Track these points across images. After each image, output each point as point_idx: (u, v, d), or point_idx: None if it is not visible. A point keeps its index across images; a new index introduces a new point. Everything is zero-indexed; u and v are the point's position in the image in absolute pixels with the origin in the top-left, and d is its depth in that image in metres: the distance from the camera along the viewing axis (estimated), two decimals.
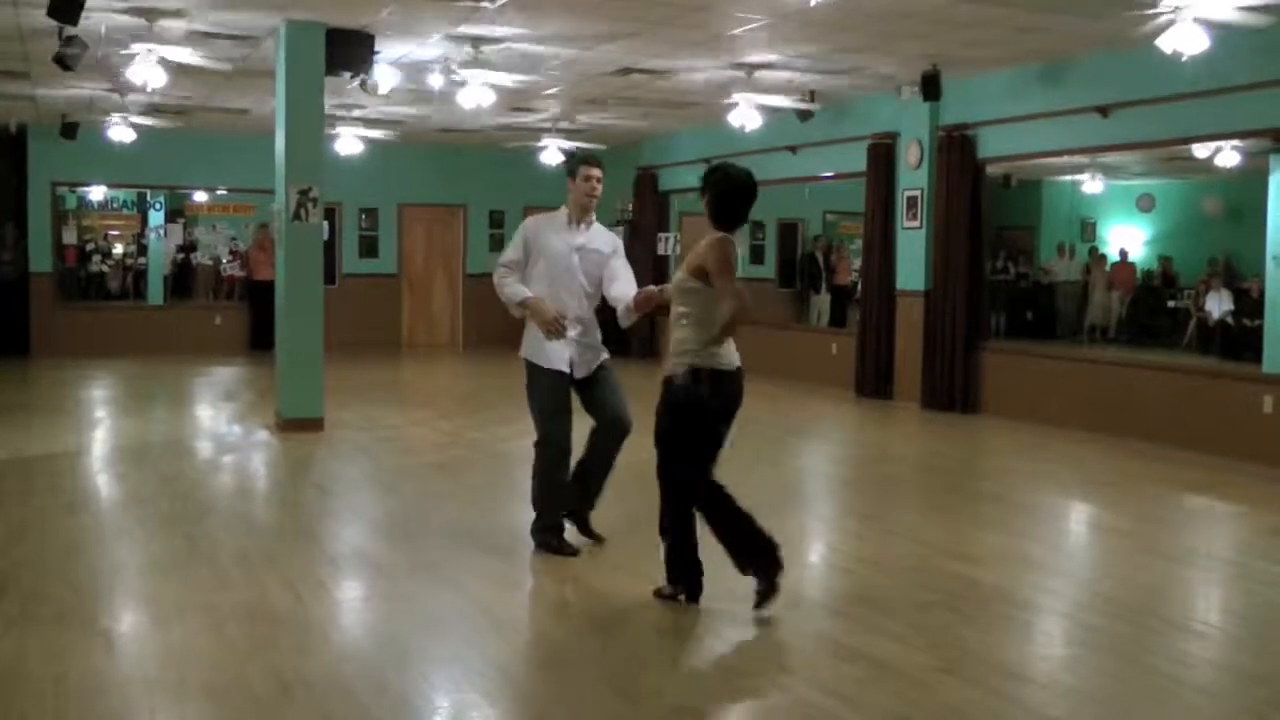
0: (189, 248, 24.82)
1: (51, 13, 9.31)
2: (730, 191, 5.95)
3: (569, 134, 18.41)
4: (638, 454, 10.55)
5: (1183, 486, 9.81)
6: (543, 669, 5.15)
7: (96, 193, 24.83)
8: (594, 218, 7.20)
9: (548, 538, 7.04)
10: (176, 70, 11.53)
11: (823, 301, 20.97)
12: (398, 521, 7.98)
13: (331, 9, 10.70)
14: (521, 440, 9.26)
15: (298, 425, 11.27)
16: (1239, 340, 18.24)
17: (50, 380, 15.70)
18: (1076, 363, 13.59)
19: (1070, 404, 12.47)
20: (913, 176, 14.35)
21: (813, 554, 7.68)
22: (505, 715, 4.73)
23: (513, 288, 6.90)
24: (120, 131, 16.65)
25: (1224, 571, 7.39)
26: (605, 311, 7.20)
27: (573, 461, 7.08)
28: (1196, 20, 8.77)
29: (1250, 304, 18.14)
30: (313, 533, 7.70)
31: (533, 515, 7.09)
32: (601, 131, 18.66)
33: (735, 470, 9.93)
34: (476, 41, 11.69)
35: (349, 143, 17.50)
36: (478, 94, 12.19)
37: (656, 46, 12.04)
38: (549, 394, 6.97)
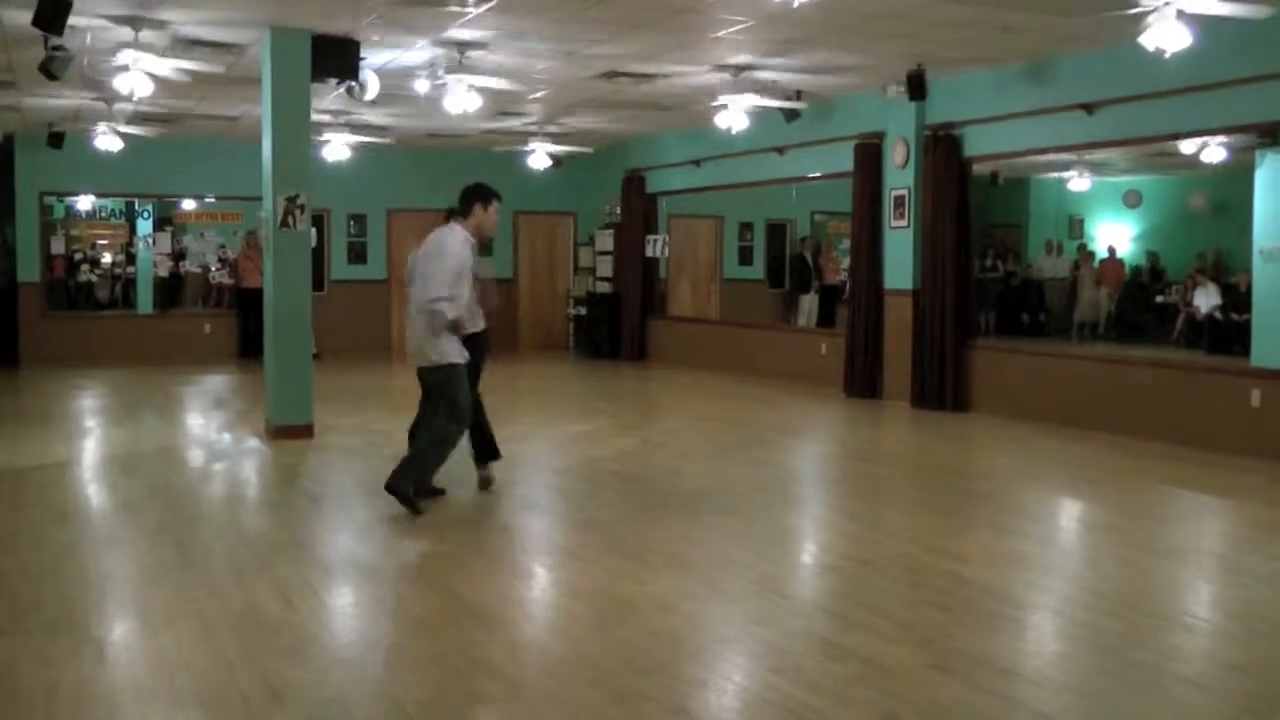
0: (180, 255, 24.83)
1: (37, 22, 9.30)
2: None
3: (556, 137, 18.43)
4: (629, 454, 10.60)
5: (1172, 481, 9.85)
6: (534, 671, 5.16)
7: (84, 202, 24.79)
8: None
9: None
10: (163, 79, 11.51)
11: (811, 302, 20.98)
12: (387, 526, 7.98)
13: (317, 16, 10.70)
14: (509, 444, 9.31)
15: (287, 432, 11.28)
16: (1227, 335, 18.29)
17: (39, 390, 15.68)
18: (1066, 359, 13.61)
19: (1060, 401, 12.50)
20: (899, 176, 14.38)
21: (803, 553, 7.71)
22: (496, 718, 4.73)
23: None
24: (107, 140, 16.63)
25: (1213, 565, 7.42)
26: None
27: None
28: (1183, 14, 8.77)
29: (1238, 298, 18.19)
30: (303, 539, 7.70)
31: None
32: (588, 134, 18.67)
33: (727, 470, 9.98)
34: (462, 46, 11.70)
35: (336, 149, 17.50)
36: (464, 99, 12.20)
37: (642, 49, 12.05)
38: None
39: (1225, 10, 8.80)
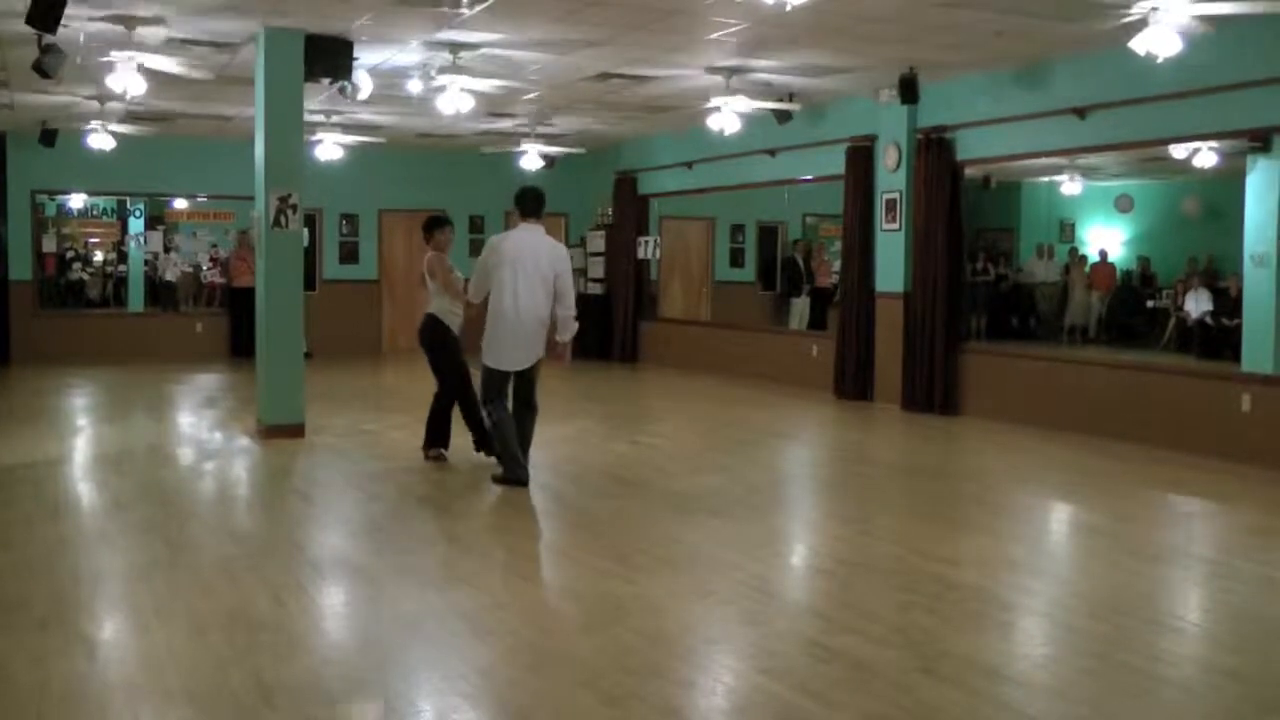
0: (165, 249, 24.75)
1: (30, 21, 9.28)
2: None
3: (548, 139, 18.44)
4: (620, 456, 10.61)
5: (1162, 485, 9.87)
6: (524, 672, 5.16)
7: (76, 200, 24.75)
8: None
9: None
10: (156, 77, 11.51)
11: (803, 305, 20.97)
12: (378, 526, 7.99)
13: (310, 16, 10.70)
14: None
15: (279, 431, 11.27)
16: (1218, 339, 18.33)
17: (31, 388, 15.65)
18: (1056, 363, 13.63)
19: (1050, 404, 12.53)
20: (891, 179, 14.41)
21: (793, 555, 7.72)
22: (486, 718, 4.74)
23: None
24: (100, 139, 16.60)
25: (1202, 570, 7.43)
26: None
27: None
28: (1195, 18, 8.75)
29: (1229, 303, 18.23)
30: (294, 538, 7.71)
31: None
32: (580, 135, 18.69)
33: (717, 472, 9.99)
34: (455, 47, 11.70)
35: (329, 149, 17.49)
36: (457, 99, 12.21)
37: (635, 51, 12.06)
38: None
39: (1235, 10, 8.76)
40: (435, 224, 10.19)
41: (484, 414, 9.21)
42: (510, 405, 9.04)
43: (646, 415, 14.52)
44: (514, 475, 8.95)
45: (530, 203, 8.99)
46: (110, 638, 5.64)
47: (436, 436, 10.17)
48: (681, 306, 22.07)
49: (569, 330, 9.01)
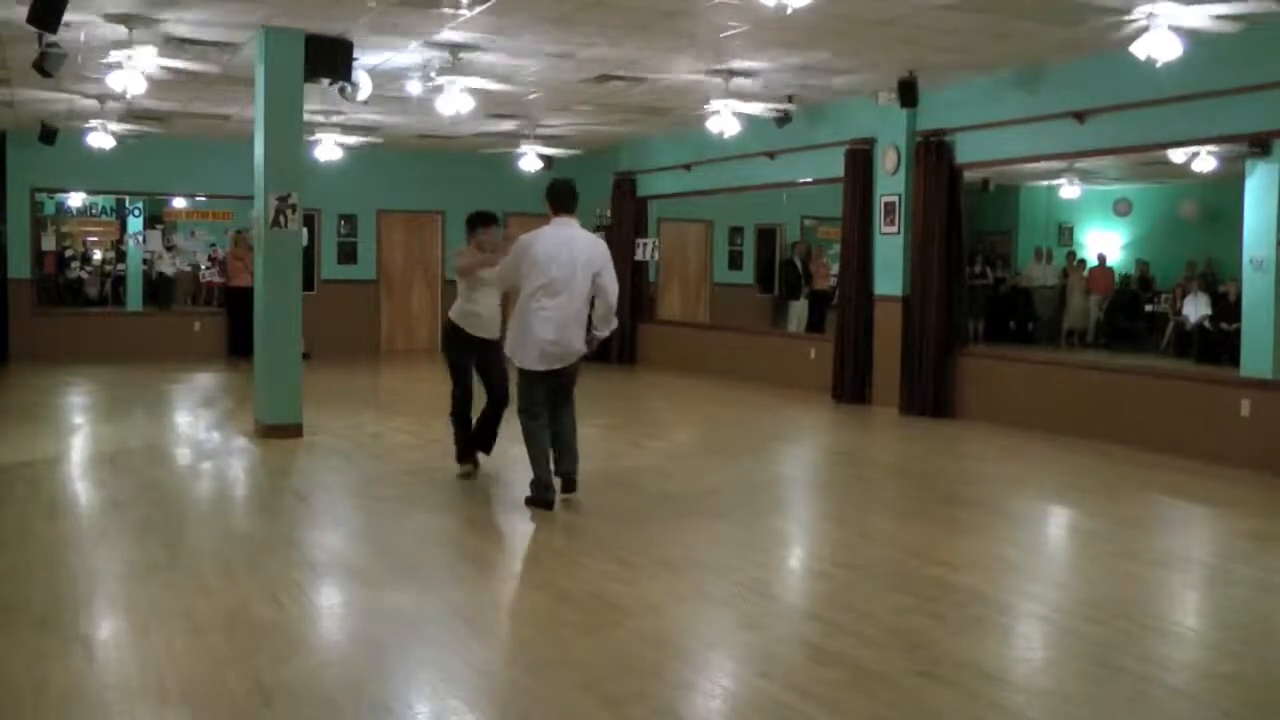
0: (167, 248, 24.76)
1: (31, 20, 9.29)
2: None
3: (547, 140, 18.43)
4: (619, 458, 10.61)
5: (1160, 490, 9.87)
6: (523, 673, 5.16)
7: (75, 199, 24.73)
8: None
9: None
10: (156, 77, 11.50)
11: (801, 308, 20.96)
12: (377, 527, 7.99)
13: (310, 16, 10.69)
14: (498, 447, 9.33)
15: (277, 431, 11.27)
16: (1217, 344, 18.34)
17: (29, 387, 15.63)
18: (1054, 367, 13.64)
19: (1048, 408, 12.53)
20: (890, 182, 14.41)
21: (791, 557, 7.72)
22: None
23: None
24: (99, 137, 16.60)
25: (1201, 574, 7.44)
26: None
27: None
28: (1218, 18, 8.76)
29: (1227, 308, 18.25)
30: (292, 539, 7.70)
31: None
32: (579, 137, 18.68)
33: (715, 474, 9.99)
34: (455, 48, 11.70)
35: (328, 149, 17.49)
36: (456, 100, 12.21)
37: (635, 53, 12.06)
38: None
39: (1232, 9, 8.76)
40: (479, 220, 9.37)
41: (521, 423, 8.36)
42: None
43: (645, 417, 14.52)
44: (540, 498, 8.30)
45: (562, 197, 8.31)
46: (108, 638, 5.63)
47: (480, 441, 9.50)
48: (680, 308, 22.09)
49: (608, 326, 8.47)
